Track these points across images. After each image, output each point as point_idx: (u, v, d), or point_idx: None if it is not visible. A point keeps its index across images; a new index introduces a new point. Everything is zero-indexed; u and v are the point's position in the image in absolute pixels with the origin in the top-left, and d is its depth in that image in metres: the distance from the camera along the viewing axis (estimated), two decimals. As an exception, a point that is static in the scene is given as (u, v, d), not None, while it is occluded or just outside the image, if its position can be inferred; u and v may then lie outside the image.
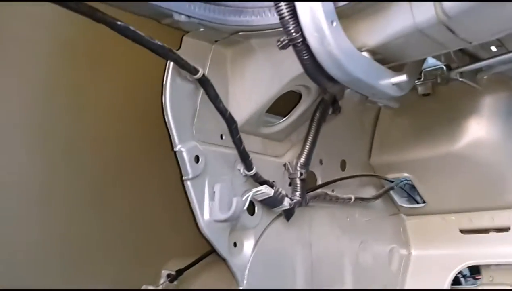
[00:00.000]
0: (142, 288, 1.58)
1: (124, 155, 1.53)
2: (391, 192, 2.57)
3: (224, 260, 1.57)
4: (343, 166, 2.27)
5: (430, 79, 2.25)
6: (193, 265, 1.63)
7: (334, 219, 2.15)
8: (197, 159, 1.48)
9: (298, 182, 1.81)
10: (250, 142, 1.67)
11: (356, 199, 2.19)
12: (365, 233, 2.33)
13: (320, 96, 1.86)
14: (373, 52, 1.39)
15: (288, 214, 1.81)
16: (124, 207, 1.54)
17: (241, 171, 1.63)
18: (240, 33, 1.50)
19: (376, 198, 2.40)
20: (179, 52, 1.36)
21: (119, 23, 1.14)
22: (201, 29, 1.44)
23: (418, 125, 2.40)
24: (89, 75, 1.45)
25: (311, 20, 1.17)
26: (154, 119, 1.46)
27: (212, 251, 1.58)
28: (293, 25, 1.20)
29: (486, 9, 1.21)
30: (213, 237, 1.51)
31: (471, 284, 2.81)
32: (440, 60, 2.12)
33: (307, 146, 1.85)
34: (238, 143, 1.55)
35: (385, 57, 1.44)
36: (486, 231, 2.40)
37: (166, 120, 1.43)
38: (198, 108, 1.51)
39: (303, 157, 1.84)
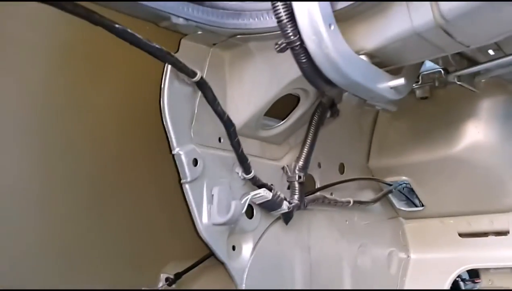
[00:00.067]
0: (140, 291, 1.58)
1: (122, 157, 1.52)
2: (390, 195, 2.57)
3: (222, 263, 1.57)
4: (341, 169, 2.28)
5: (428, 83, 2.26)
6: (191, 269, 1.62)
7: (332, 222, 2.15)
8: (195, 162, 1.48)
9: (296, 185, 1.81)
10: (248, 146, 1.67)
11: (355, 202, 2.19)
12: (364, 236, 2.33)
13: (318, 100, 1.86)
14: (371, 56, 1.39)
15: (286, 217, 1.81)
16: (122, 210, 1.53)
17: (240, 174, 1.63)
18: (238, 36, 1.50)
19: (374, 201, 2.41)
20: (177, 55, 1.36)
21: (117, 26, 1.14)
22: (199, 32, 1.44)
23: (416, 128, 2.40)
24: (87, 78, 1.45)
25: (309, 23, 1.18)
26: (152, 122, 1.46)
27: (210, 254, 1.57)
28: (291, 28, 1.20)
29: (483, 13, 1.21)
30: (211, 240, 1.51)
31: (470, 288, 2.81)
32: (438, 64, 2.13)
33: (306, 149, 1.85)
34: (236, 147, 1.55)
35: (383, 60, 1.45)
36: (485, 234, 2.40)
37: (164, 123, 1.43)
38: (196, 111, 1.51)
39: (301, 160, 1.84)
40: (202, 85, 1.43)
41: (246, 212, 1.59)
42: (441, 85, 2.22)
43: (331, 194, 2.11)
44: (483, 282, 2.48)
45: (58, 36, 1.38)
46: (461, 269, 2.42)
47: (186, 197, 1.47)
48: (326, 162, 2.14)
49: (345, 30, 1.27)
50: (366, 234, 2.35)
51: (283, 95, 1.65)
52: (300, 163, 1.83)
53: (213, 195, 1.52)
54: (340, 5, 1.27)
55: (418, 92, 2.31)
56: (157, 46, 1.25)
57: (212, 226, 1.50)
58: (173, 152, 1.44)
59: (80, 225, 1.44)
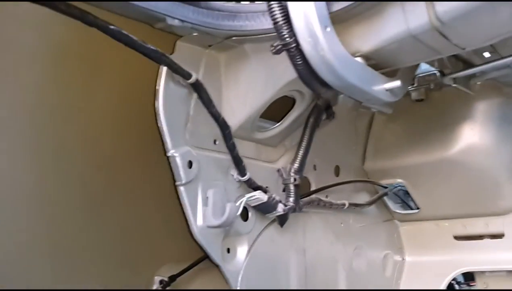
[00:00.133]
0: (135, 294, 1.57)
1: (116, 159, 1.52)
2: (385, 198, 2.57)
3: (217, 266, 1.56)
4: (337, 171, 2.27)
5: (424, 85, 2.26)
6: (186, 271, 1.62)
7: (328, 224, 2.14)
8: (190, 164, 1.47)
9: (292, 187, 1.81)
10: (243, 148, 1.67)
11: (350, 204, 2.19)
12: (359, 239, 2.33)
13: (314, 102, 1.86)
14: (367, 58, 1.39)
15: (282, 220, 1.81)
16: (117, 212, 1.53)
17: (235, 176, 1.62)
18: (234, 38, 1.50)
19: (370, 203, 2.40)
20: (172, 57, 1.35)
21: (111, 27, 1.13)
22: (195, 34, 1.43)
23: (412, 131, 2.40)
24: (81, 79, 1.44)
25: (304, 25, 1.17)
26: (147, 124, 1.45)
27: (205, 257, 1.57)
28: (287, 30, 1.20)
29: (479, 15, 1.21)
30: (206, 243, 1.50)
31: (465, 291, 2.82)
32: (433, 66, 2.13)
33: (301, 151, 1.85)
34: (231, 149, 1.54)
35: (378, 62, 1.45)
36: (480, 237, 2.40)
37: (159, 125, 1.42)
38: (191, 113, 1.50)
39: (297, 162, 1.83)
40: (197, 87, 1.43)
41: (241, 214, 1.58)
42: (436, 88, 2.23)
43: (327, 196, 2.11)
44: (478, 285, 2.48)
45: (52, 37, 1.37)
46: (456, 272, 2.42)
47: (181, 199, 1.46)
48: (322, 164, 2.14)
49: (341, 32, 1.27)
50: (361, 237, 2.34)
51: (278, 97, 1.65)
52: (296, 165, 1.83)
53: (208, 197, 1.51)
54: (336, 7, 1.27)
55: (414, 95, 2.32)
56: (152, 47, 1.24)
57: (206, 228, 1.49)
58: (168, 154, 1.44)
59: (74, 227, 1.43)
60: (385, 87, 1.45)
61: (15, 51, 1.32)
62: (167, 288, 1.59)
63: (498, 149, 2.20)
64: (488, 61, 1.87)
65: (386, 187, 2.52)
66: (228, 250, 1.63)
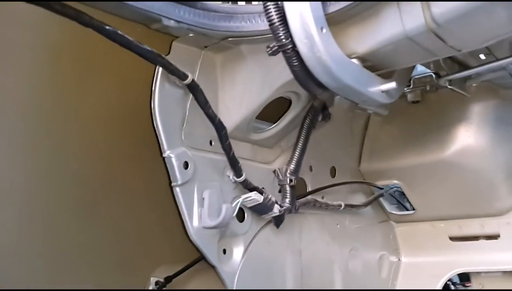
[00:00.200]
0: (130, 295, 1.57)
1: (112, 160, 1.51)
2: (381, 199, 2.57)
3: (213, 267, 1.56)
4: (333, 172, 2.28)
5: (419, 87, 2.27)
6: (182, 272, 1.61)
7: (324, 225, 2.14)
8: (186, 165, 1.47)
9: (287, 188, 1.81)
10: (239, 149, 1.67)
11: (346, 205, 2.19)
12: (355, 240, 2.33)
13: (310, 103, 1.86)
14: (363, 59, 1.39)
15: (277, 221, 1.81)
16: (112, 213, 1.52)
17: (231, 177, 1.62)
18: (230, 39, 1.50)
19: (366, 204, 2.41)
20: (168, 58, 1.35)
21: (107, 27, 1.13)
22: (191, 35, 1.43)
23: (408, 132, 2.41)
24: (77, 80, 1.44)
25: (301, 27, 1.17)
26: (143, 124, 1.45)
27: (201, 258, 1.56)
28: (283, 31, 1.20)
29: (475, 17, 1.21)
30: (202, 243, 1.50)
31: (461, 291, 2.83)
32: (429, 68, 2.14)
33: (297, 153, 1.85)
34: (227, 150, 1.54)
35: (374, 64, 1.45)
36: (475, 238, 2.41)
37: (155, 126, 1.42)
38: (187, 114, 1.50)
39: (293, 163, 1.84)
40: (193, 88, 1.43)
41: (237, 215, 1.58)
42: (432, 89, 2.23)
43: (323, 198, 2.11)
44: (474, 285, 2.49)
45: (48, 38, 1.37)
46: (452, 272, 2.43)
47: (177, 200, 1.46)
48: (318, 165, 2.14)
49: (337, 33, 1.27)
50: (357, 238, 2.35)
51: (274, 98, 1.65)
52: (292, 166, 1.83)
53: (204, 198, 1.51)
54: (332, 8, 1.27)
55: (410, 96, 2.32)
56: (148, 48, 1.24)
57: (202, 229, 1.49)
58: (163, 155, 1.44)
59: (69, 228, 1.43)
60: (381, 88, 1.45)
61: (10, 51, 1.31)
62: (163, 289, 1.59)
63: (493, 151, 2.20)
64: (483, 63, 1.88)
65: (382, 188, 2.53)
66: (224, 251, 1.63)
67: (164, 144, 1.43)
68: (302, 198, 1.95)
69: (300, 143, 1.86)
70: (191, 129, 1.52)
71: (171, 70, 1.36)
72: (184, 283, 1.63)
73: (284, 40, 1.21)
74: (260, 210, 1.70)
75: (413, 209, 2.55)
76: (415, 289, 2.48)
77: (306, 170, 2.06)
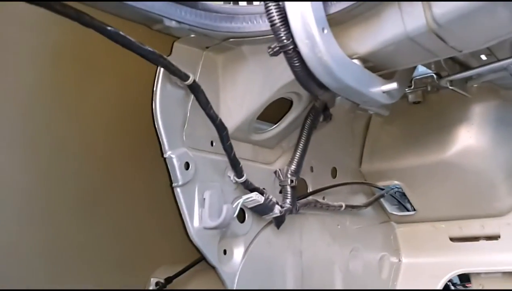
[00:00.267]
0: (131, 295, 1.57)
1: (113, 160, 1.51)
2: (382, 199, 2.57)
3: (213, 267, 1.56)
4: (334, 173, 2.27)
5: (421, 87, 2.26)
6: (182, 273, 1.61)
7: (324, 226, 2.14)
8: (187, 165, 1.47)
9: (288, 189, 1.81)
10: (240, 149, 1.67)
11: (347, 206, 2.19)
12: (356, 240, 2.33)
13: (311, 104, 1.86)
14: (364, 60, 1.39)
15: (278, 222, 1.81)
16: (113, 213, 1.52)
17: (232, 177, 1.62)
18: (231, 39, 1.50)
19: (366, 205, 2.40)
20: (169, 58, 1.35)
21: (109, 28, 1.13)
22: (192, 35, 1.43)
23: (409, 133, 2.40)
24: (78, 81, 1.44)
25: (302, 27, 1.17)
26: (144, 125, 1.45)
27: (201, 258, 1.56)
28: (284, 32, 1.20)
29: (476, 18, 1.21)
30: (202, 244, 1.50)
31: (461, 292, 2.83)
32: (430, 68, 2.13)
33: (298, 153, 1.85)
34: (228, 150, 1.54)
35: (376, 64, 1.45)
36: (476, 239, 2.40)
37: (156, 126, 1.42)
38: (188, 114, 1.50)
39: (293, 164, 1.84)
40: (194, 89, 1.43)
41: (237, 216, 1.58)
42: (433, 90, 2.23)
43: (323, 198, 2.11)
44: (474, 286, 2.48)
45: (49, 38, 1.37)
46: (452, 273, 2.43)
47: (178, 200, 1.46)
48: (319, 166, 2.14)
49: (338, 34, 1.27)
50: (358, 238, 2.34)
51: (276, 99, 1.65)
52: (293, 166, 1.83)
53: (204, 199, 1.51)
54: (333, 9, 1.27)
55: (411, 97, 2.32)
56: (149, 49, 1.24)
57: (203, 230, 1.49)
58: (164, 155, 1.43)
59: (70, 228, 1.43)
60: (382, 89, 1.45)
61: (11, 51, 1.31)
62: (163, 290, 1.59)
63: (494, 151, 2.20)
64: (484, 63, 1.87)
65: (382, 189, 2.52)
66: (225, 252, 1.63)
67: (165, 145, 1.43)
68: (303, 198, 1.95)
69: (301, 144, 1.86)
70: (192, 130, 1.51)
71: (173, 71, 1.36)
72: (184, 284, 1.63)
73: (285, 40, 1.21)
74: (260, 210, 1.70)
75: (414, 210, 2.55)
76: (416, 290, 2.48)
77: (307, 171, 2.06)
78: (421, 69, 2.19)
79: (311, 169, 2.10)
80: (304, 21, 1.17)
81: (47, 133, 1.38)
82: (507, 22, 1.27)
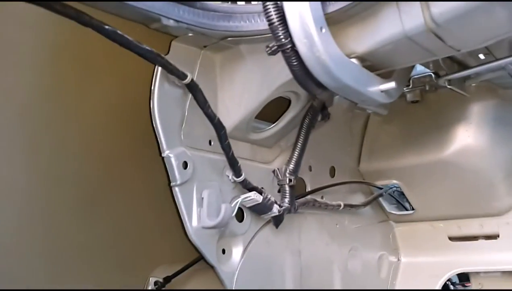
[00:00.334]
0: (129, 295, 1.56)
1: (111, 160, 1.51)
2: (380, 198, 2.57)
3: (212, 267, 1.56)
4: (332, 172, 2.27)
5: (419, 87, 2.27)
6: (181, 272, 1.61)
7: (323, 225, 2.14)
8: (185, 164, 1.47)
9: (287, 188, 1.81)
10: (239, 149, 1.66)
11: (345, 205, 2.19)
12: (355, 240, 2.33)
13: (309, 103, 1.86)
14: (362, 59, 1.39)
15: (277, 221, 1.81)
16: (112, 212, 1.52)
17: (230, 177, 1.62)
18: (229, 38, 1.49)
19: (365, 204, 2.40)
20: (167, 57, 1.35)
21: (106, 27, 1.12)
22: (190, 34, 1.43)
23: (407, 132, 2.40)
24: (76, 80, 1.44)
25: (300, 26, 1.17)
26: (142, 124, 1.45)
27: (200, 258, 1.56)
28: (282, 31, 1.20)
29: (474, 17, 1.21)
30: (201, 243, 1.50)
31: (460, 291, 2.83)
32: (428, 68, 2.13)
33: (296, 152, 1.85)
34: (226, 149, 1.54)
35: (374, 64, 1.45)
36: (474, 238, 2.40)
37: (154, 125, 1.42)
38: (186, 113, 1.50)
39: (292, 163, 1.84)
40: (192, 88, 1.42)
41: (236, 215, 1.58)
42: (431, 89, 2.23)
43: (322, 197, 2.11)
44: (473, 285, 2.49)
45: (48, 37, 1.36)
46: (451, 272, 2.43)
47: (176, 200, 1.46)
48: (317, 165, 2.14)
49: (337, 33, 1.27)
50: (357, 238, 2.34)
51: (274, 98, 1.65)
52: (291, 166, 1.83)
53: (203, 198, 1.51)
54: (332, 8, 1.27)
55: (409, 96, 2.32)
56: (147, 48, 1.24)
57: (201, 229, 1.49)
58: (162, 155, 1.43)
59: (69, 228, 1.42)
60: (381, 88, 1.45)
61: (10, 51, 1.31)
62: (162, 289, 1.58)
63: (492, 150, 2.20)
64: (483, 63, 1.87)
65: (381, 188, 2.53)
66: (223, 251, 1.63)
67: (163, 144, 1.43)
68: (301, 197, 1.95)
69: (299, 143, 1.86)
70: (190, 129, 1.51)
71: (170, 70, 1.36)
72: (183, 283, 1.63)
73: (283, 40, 1.21)
74: (259, 210, 1.70)
75: (413, 209, 2.55)
76: (415, 289, 2.48)
77: (305, 170, 2.06)
78: (419, 69, 2.20)
79: (310, 168, 2.10)
80: (302, 20, 1.16)
81: (45, 133, 1.38)
82: (505, 21, 1.27)
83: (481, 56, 1.83)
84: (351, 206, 2.28)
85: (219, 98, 1.61)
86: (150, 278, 1.59)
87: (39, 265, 1.36)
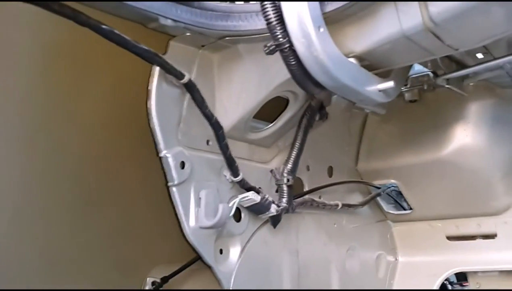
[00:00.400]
0: (127, 295, 1.56)
1: (108, 160, 1.51)
2: (378, 198, 2.57)
3: (209, 267, 1.55)
4: (330, 172, 2.27)
5: (417, 86, 2.27)
6: (178, 272, 1.61)
7: (321, 225, 2.14)
8: (182, 164, 1.46)
9: (285, 188, 1.80)
10: (236, 148, 1.66)
11: (343, 205, 2.19)
12: (352, 239, 2.33)
13: (307, 102, 1.86)
14: (360, 58, 1.39)
15: (274, 221, 1.80)
16: (109, 213, 1.52)
17: (228, 177, 1.62)
18: (227, 38, 1.49)
19: (363, 204, 2.41)
20: (165, 57, 1.35)
21: (104, 26, 1.12)
22: (188, 34, 1.43)
23: (405, 131, 2.40)
24: (73, 80, 1.44)
25: (298, 26, 1.17)
26: (140, 124, 1.44)
27: (197, 258, 1.56)
28: (280, 31, 1.20)
29: (472, 16, 1.21)
30: (198, 244, 1.49)
31: (458, 291, 2.83)
32: (426, 67, 2.13)
33: (294, 152, 1.84)
34: (224, 149, 1.53)
35: (372, 63, 1.44)
36: (472, 237, 2.41)
37: (151, 125, 1.41)
38: (184, 113, 1.50)
39: (290, 163, 1.83)
40: (190, 87, 1.42)
41: (234, 215, 1.58)
42: (429, 89, 2.23)
43: (320, 197, 2.10)
44: (471, 285, 2.49)
45: (45, 37, 1.36)
46: (449, 272, 2.43)
47: (173, 200, 1.46)
48: (315, 164, 2.13)
49: (335, 32, 1.27)
50: (355, 237, 2.34)
51: (272, 98, 1.64)
52: (289, 165, 1.83)
53: (200, 198, 1.51)
54: (330, 7, 1.26)
55: (407, 95, 2.32)
56: (144, 47, 1.24)
57: (199, 229, 1.49)
58: (160, 155, 1.43)
59: (66, 228, 1.42)
60: (379, 88, 1.44)
61: (7, 51, 1.31)
62: (160, 289, 1.58)
63: (490, 150, 2.20)
64: (481, 62, 1.88)
65: (379, 188, 2.53)
66: (221, 251, 1.62)
67: (161, 144, 1.43)
68: (299, 197, 1.94)
69: (297, 143, 1.85)
70: (188, 128, 1.51)
71: (168, 70, 1.35)
72: (180, 283, 1.63)
73: (281, 39, 1.20)
74: (257, 209, 1.69)
75: (410, 209, 2.55)
76: (413, 289, 2.48)
77: (303, 170, 2.06)
78: (417, 68, 2.20)
79: (307, 168, 2.09)
80: (300, 19, 1.16)
81: (43, 133, 1.37)
82: (503, 21, 1.27)
83: (479, 55, 1.83)
84: (349, 205, 2.28)
85: (217, 98, 1.61)
86: (148, 278, 1.59)
87: (38, 265, 1.36)
